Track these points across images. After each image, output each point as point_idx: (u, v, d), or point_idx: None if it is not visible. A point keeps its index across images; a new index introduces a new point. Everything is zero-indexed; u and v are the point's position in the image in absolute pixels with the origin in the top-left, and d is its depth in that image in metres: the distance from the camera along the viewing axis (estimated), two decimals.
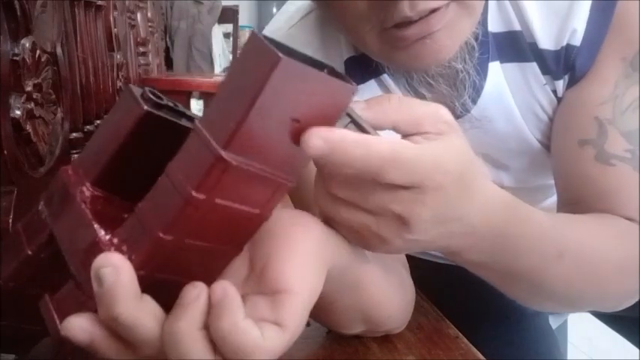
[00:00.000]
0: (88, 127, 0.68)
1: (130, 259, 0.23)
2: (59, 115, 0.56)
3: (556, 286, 0.44)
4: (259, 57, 0.22)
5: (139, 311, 0.23)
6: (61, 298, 0.25)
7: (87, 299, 0.24)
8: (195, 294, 0.24)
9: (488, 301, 0.67)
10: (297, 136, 0.25)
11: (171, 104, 0.27)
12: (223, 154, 0.22)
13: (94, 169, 0.27)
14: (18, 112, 0.45)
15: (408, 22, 0.41)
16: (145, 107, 0.25)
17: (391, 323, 0.47)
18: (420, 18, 0.41)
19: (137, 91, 0.26)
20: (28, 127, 0.47)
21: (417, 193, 0.30)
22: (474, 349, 0.49)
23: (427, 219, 0.31)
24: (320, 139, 0.25)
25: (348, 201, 0.30)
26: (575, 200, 0.52)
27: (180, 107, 0.27)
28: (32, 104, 0.48)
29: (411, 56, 0.44)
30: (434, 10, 0.41)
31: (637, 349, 0.71)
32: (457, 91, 0.52)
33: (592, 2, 0.49)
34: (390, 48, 0.44)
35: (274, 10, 3.98)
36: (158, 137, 0.26)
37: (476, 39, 0.49)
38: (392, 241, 0.31)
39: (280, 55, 0.21)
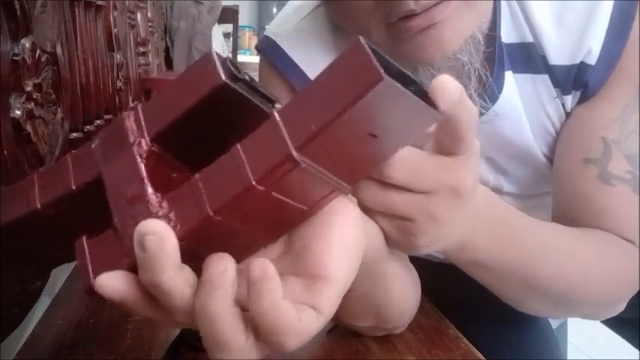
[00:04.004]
0: (88, 127, 0.68)
1: (174, 227, 0.22)
2: (59, 115, 0.56)
3: (543, 283, 0.45)
4: (360, 67, 0.21)
5: (178, 280, 0.23)
6: (97, 244, 0.25)
7: (124, 255, 0.23)
8: (222, 267, 0.23)
9: (488, 301, 0.67)
10: (370, 150, 0.25)
11: (247, 78, 0.26)
12: (295, 155, 0.21)
13: (155, 124, 0.26)
14: (18, 112, 0.45)
15: (412, 15, 0.43)
16: (224, 79, 0.25)
17: (399, 321, 0.48)
18: (423, 11, 0.42)
19: (218, 58, 0.25)
20: (28, 127, 0.46)
21: (464, 161, 0.32)
22: (474, 349, 0.49)
23: (471, 185, 0.33)
24: (454, 85, 0.27)
25: (403, 184, 0.32)
26: (571, 216, 0.53)
27: (255, 83, 0.26)
28: (32, 104, 0.48)
29: (416, 47, 0.45)
30: (437, 4, 0.43)
31: (637, 350, 0.71)
32: (462, 84, 0.52)
33: (609, 23, 0.50)
34: (395, 41, 0.45)
35: (274, 10, 3.98)
36: (228, 109, 0.26)
37: (482, 33, 0.49)
38: (442, 217, 0.33)
39: (383, 74, 0.20)
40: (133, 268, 0.23)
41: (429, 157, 0.32)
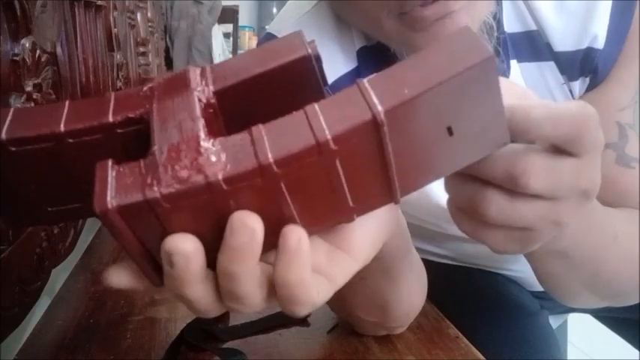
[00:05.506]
0: None
1: (223, 167, 0.21)
2: None
3: (609, 270, 0.44)
4: (467, 46, 0.21)
5: (202, 292, 0.24)
6: (124, 168, 0.22)
7: (155, 182, 0.21)
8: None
9: (488, 300, 0.67)
10: (436, 154, 0.23)
11: (323, 70, 0.26)
12: (382, 114, 0.20)
13: (224, 79, 0.25)
14: None
15: (427, 2, 0.42)
16: (310, 51, 0.24)
17: (404, 320, 0.48)
18: None
19: (309, 41, 0.25)
20: None
21: (595, 160, 0.29)
22: (474, 349, 0.49)
23: (598, 184, 0.31)
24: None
25: (539, 194, 0.29)
26: None
27: (325, 79, 0.27)
28: (32, 104, 0.48)
29: (430, 37, 0.44)
30: None
31: (637, 350, 0.71)
32: None
33: (611, 6, 0.50)
34: (408, 31, 0.45)
35: (274, 10, 3.98)
36: (296, 84, 0.25)
37: (494, 17, 0.49)
38: (567, 222, 0.31)
39: (492, 52, 0.20)
40: (160, 201, 0.21)
41: (564, 162, 0.29)
